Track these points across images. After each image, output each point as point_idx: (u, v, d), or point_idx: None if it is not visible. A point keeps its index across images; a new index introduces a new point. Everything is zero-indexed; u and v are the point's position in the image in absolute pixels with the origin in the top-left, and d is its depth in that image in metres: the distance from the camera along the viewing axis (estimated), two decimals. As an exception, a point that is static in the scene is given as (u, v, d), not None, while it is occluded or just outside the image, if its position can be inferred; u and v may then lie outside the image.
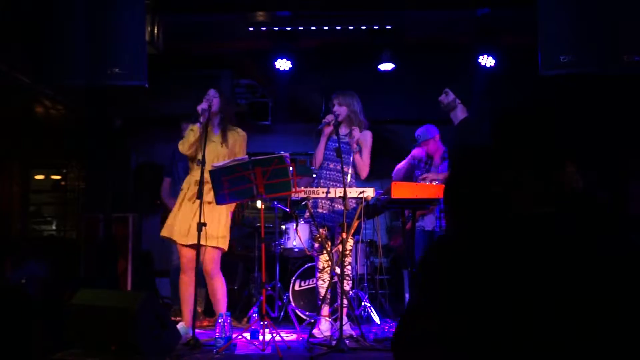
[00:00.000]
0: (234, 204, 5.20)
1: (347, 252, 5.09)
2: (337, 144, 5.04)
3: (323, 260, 5.21)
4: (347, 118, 5.28)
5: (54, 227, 10.22)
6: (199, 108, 4.93)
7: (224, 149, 5.04)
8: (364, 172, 5.27)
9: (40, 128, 8.57)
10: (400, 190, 4.95)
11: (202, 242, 4.78)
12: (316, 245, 5.23)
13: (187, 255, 4.89)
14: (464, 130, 5.22)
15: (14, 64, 6.04)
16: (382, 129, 8.22)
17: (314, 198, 5.04)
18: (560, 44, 5.17)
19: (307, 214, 5.13)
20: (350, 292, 5.51)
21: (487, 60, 6.76)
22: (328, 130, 5.23)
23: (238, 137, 5.17)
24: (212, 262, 4.96)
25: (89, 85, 5.56)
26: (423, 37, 7.03)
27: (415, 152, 6.32)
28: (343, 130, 5.28)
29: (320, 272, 5.22)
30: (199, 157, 4.89)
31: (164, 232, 5.05)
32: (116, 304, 4.15)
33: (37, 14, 5.38)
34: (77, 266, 8.06)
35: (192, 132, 4.92)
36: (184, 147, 5.02)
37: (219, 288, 4.99)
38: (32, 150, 9.23)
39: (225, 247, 5.02)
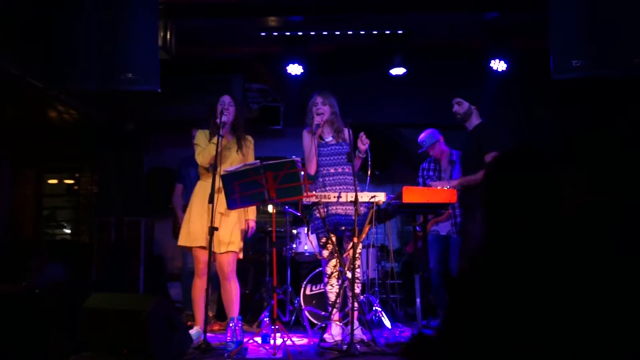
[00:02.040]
0: (253, 211, 5.20)
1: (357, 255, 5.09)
2: (327, 148, 5.09)
3: (331, 265, 5.19)
4: (328, 119, 5.24)
5: (67, 231, 10.28)
6: (219, 121, 4.89)
7: (239, 156, 5.06)
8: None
9: (53, 133, 8.63)
10: (412, 195, 4.94)
11: (223, 249, 4.86)
12: (324, 252, 5.19)
13: (204, 259, 4.90)
14: (480, 136, 5.19)
15: (27, 69, 6.09)
16: (393, 132, 8.22)
17: (325, 203, 5.03)
18: (573, 48, 5.15)
19: (317, 213, 5.11)
20: (361, 296, 5.50)
21: (498, 65, 6.74)
22: (318, 133, 5.21)
23: (250, 144, 5.21)
24: (229, 265, 4.99)
25: (101, 90, 5.57)
26: (434, 41, 7.02)
27: (423, 164, 6.33)
28: (326, 132, 5.26)
29: (328, 278, 5.21)
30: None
31: (182, 242, 5.06)
32: (128, 308, 4.17)
33: (49, 18, 5.41)
34: (89, 269, 8.10)
35: (212, 146, 4.89)
36: (204, 159, 5.00)
37: (234, 291, 5.01)
38: (46, 154, 9.31)
39: (241, 255, 5.08)
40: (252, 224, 5.23)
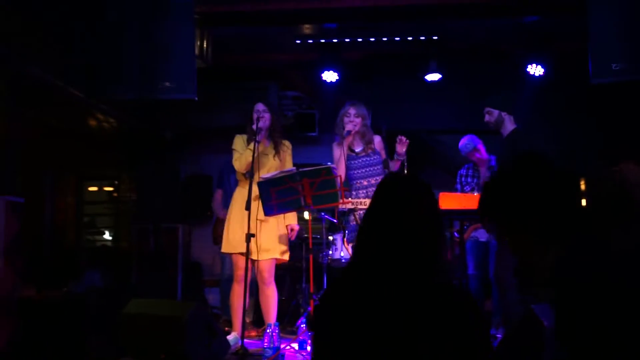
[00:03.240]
0: (294, 216, 5.21)
1: None
2: (358, 161, 5.07)
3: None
4: (359, 130, 5.21)
5: (107, 237, 10.43)
6: (256, 127, 4.89)
7: (276, 162, 5.06)
8: None
9: (93, 141, 8.78)
10: (448, 201, 4.89)
11: (262, 256, 4.89)
12: None
13: (243, 265, 4.91)
14: (513, 143, 5.11)
15: (69, 79, 6.20)
16: (429, 139, 8.17)
17: (361, 209, 5.01)
18: (612, 51, 5.05)
19: (353, 220, 5.10)
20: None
21: (535, 69, 6.65)
22: (348, 140, 5.17)
23: (287, 149, 5.20)
24: (268, 271, 5.00)
25: (140, 99, 5.63)
26: (470, 46, 6.97)
27: (461, 170, 6.25)
28: (356, 144, 5.22)
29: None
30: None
31: (225, 249, 5.09)
32: (167, 313, 4.20)
33: (89, 29, 5.51)
34: (129, 275, 8.20)
35: (249, 152, 4.90)
36: (241, 165, 5.01)
37: (272, 297, 5.01)
38: (86, 162, 9.47)
39: (286, 257, 5.08)
40: (295, 227, 5.22)
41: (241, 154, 5.01)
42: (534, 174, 1.81)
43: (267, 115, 5.02)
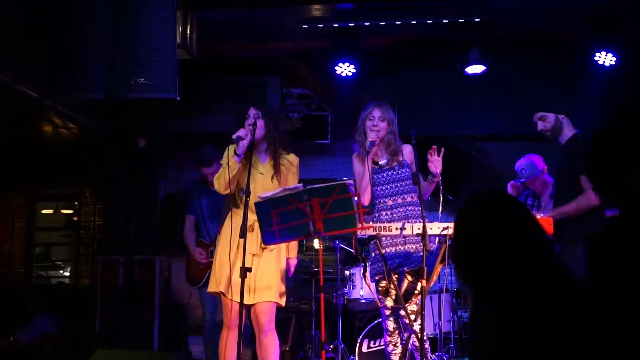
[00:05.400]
0: (295, 247, 5.25)
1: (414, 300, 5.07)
2: (381, 176, 5.10)
3: (394, 318, 5.18)
4: (385, 139, 5.22)
5: (64, 273, 10.50)
6: (235, 136, 4.88)
7: (274, 184, 5.04)
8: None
9: (48, 151, 8.86)
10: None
11: (258, 298, 4.89)
12: (386, 300, 5.15)
13: (235, 308, 4.93)
14: (574, 152, 5.13)
15: (19, 75, 6.28)
16: (470, 147, 8.19)
17: (384, 236, 5.03)
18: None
19: (375, 250, 5.12)
20: (432, 355, 5.48)
21: (605, 58, 6.69)
22: (373, 152, 5.19)
23: (291, 167, 5.18)
24: (266, 315, 5.00)
25: (107, 99, 5.69)
26: (521, 31, 7.01)
27: (511, 188, 6.23)
28: (379, 154, 5.25)
29: (390, 335, 5.18)
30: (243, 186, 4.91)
31: (212, 288, 5.12)
32: (142, 368, 4.25)
33: (45, 16, 5.56)
34: (92, 320, 8.24)
35: (228, 169, 4.89)
36: (219, 185, 5.01)
37: (272, 348, 5.03)
38: (39, 178, 9.56)
39: (283, 302, 5.08)
40: (293, 263, 5.25)
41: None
42: None
43: (260, 123, 4.99)
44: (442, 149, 5.02)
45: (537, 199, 6.17)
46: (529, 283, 2.06)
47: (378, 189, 5.19)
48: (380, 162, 5.23)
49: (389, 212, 5.15)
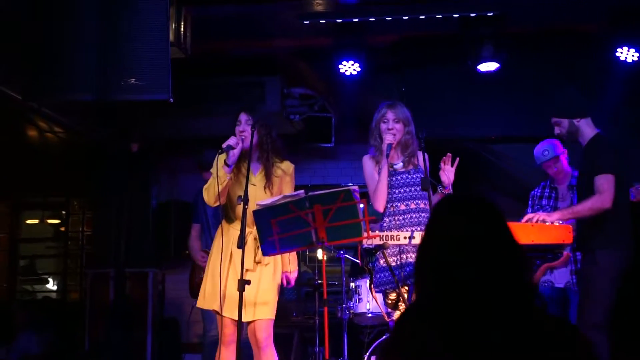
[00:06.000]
0: (294, 259, 5.24)
1: None
2: (396, 178, 5.08)
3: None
4: (401, 141, 5.22)
5: (51, 288, 10.51)
6: (225, 145, 4.88)
7: (267, 194, 5.02)
8: None
9: (33, 158, 8.87)
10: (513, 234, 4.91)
11: (254, 315, 4.89)
12: (395, 313, 5.16)
13: (231, 326, 4.95)
14: (593, 153, 5.14)
15: (1, 75, 6.29)
16: (484, 150, 8.20)
17: (393, 245, 5.03)
18: None
19: (382, 261, 5.12)
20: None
21: (627, 54, 6.70)
22: (392, 154, 5.19)
23: (285, 176, 5.17)
24: (264, 330, 5.01)
25: (97, 101, 5.70)
26: (537, 26, 7.03)
27: (535, 190, 6.28)
28: (395, 157, 5.24)
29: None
30: (240, 194, 4.89)
31: (201, 303, 5.13)
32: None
33: (29, 11, 5.57)
34: (81, 338, 8.25)
35: (218, 180, 4.88)
36: (209, 197, 5.01)
37: (272, 363, 5.05)
38: (23, 186, 9.56)
39: (273, 315, 5.07)
40: (293, 276, 5.24)
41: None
42: None
43: (249, 130, 4.97)
44: (457, 159, 5.03)
45: (554, 190, 6.18)
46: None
47: (390, 192, 5.19)
48: (395, 165, 5.24)
49: (400, 217, 5.14)
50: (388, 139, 5.09)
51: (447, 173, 4.98)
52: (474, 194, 2.29)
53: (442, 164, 4.99)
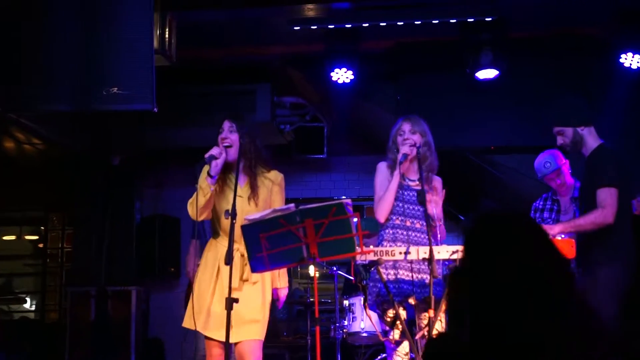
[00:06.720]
0: (285, 276, 5.24)
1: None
2: (409, 192, 5.09)
3: (402, 353, 5.19)
4: (420, 154, 5.23)
5: (29, 307, 10.49)
6: (207, 155, 4.84)
7: (251, 206, 5.00)
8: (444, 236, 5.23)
9: (10, 170, 8.87)
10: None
11: (241, 335, 4.87)
12: (393, 332, 5.17)
13: (218, 350, 4.95)
14: (595, 165, 5.17)
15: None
16: (482, 160, 8.22)
17: (387, 261, 5.05)
18: None
19: (377, 277, 5.13)
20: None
21: (632, 60, 6.74)
22: (404, 167, 5.21)
23: (273, 186, 5.14)
24: (253, 352, 5.00)
25: (77, 112, 5.70)
26: (538, 31, 7.07)
27: (536, 202, 6.30)
28: (412, 171, 5.26)
29: (396, 373, 5.19)
30: (228, 208, 4.88)
31: (187, 324, 5.12)
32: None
33: (5, 17, 5.58)
34: (61, 358, 8.23)
35: (200, 192, 4.91)
36: (192, 211, 4.96)
37: (260, 388, 5.05)
38: (0, 200, 9.56)
39: (263, 333, 5.06)
40: (284, 294, 5.25)
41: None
42: None
43: (234, 138, 4.95)
44: (444, 190, 5.06)
45: (557, 203, 6.21)
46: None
47: (400, 205, 5.21)
48: (410, 179, 5.25)
49: (403, 232, 5.17)
50: (404, 149, 5.10)
51: (433, 204, 5.04)
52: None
53: (428, 196, 5.03)
